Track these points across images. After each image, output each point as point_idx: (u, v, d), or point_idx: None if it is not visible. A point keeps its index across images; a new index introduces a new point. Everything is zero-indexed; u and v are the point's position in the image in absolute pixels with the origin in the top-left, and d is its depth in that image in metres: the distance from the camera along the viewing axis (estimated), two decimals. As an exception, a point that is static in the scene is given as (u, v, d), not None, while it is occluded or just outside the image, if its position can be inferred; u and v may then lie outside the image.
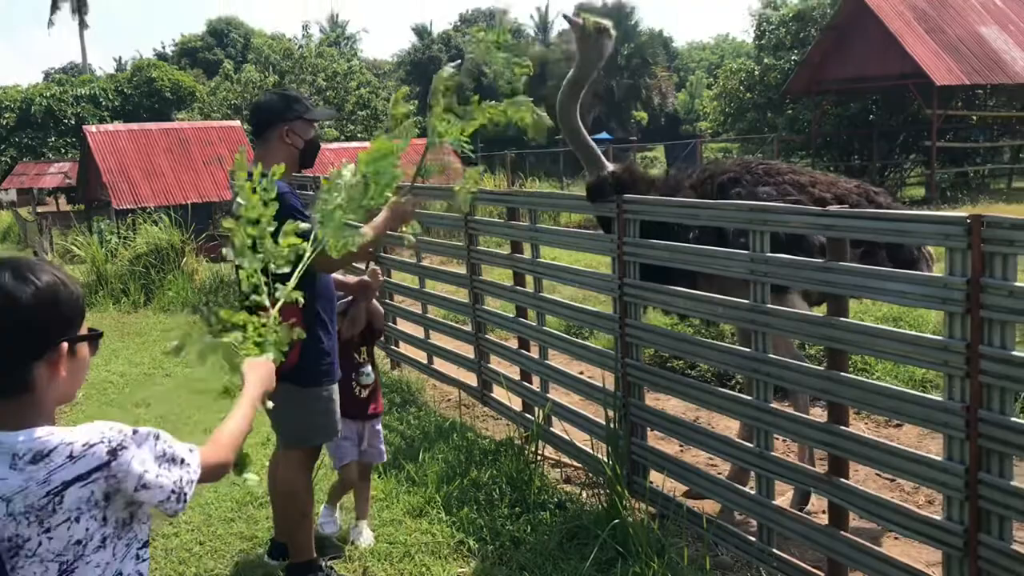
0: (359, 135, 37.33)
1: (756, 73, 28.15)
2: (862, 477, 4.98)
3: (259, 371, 2.27)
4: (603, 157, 4.71)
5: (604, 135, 43.63)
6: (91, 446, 1.75)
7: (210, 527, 4.79)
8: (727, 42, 72.28)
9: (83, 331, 1.88)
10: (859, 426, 5.87)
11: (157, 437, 1.86)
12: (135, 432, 1.82)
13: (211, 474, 2.00)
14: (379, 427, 4.64)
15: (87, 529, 1.75)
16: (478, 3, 71.70)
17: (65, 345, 1.82)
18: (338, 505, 4.70)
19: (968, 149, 24.46)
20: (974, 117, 24.60)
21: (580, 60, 4.60)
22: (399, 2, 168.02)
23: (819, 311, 3.89)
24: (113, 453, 1.76)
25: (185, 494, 1.87)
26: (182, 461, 1.89)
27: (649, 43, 58.45)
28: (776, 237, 3.70)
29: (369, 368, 4.37)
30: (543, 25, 72.30)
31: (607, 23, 4.62)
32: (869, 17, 21.49)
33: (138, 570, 1.87)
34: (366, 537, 4.48)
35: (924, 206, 20.12)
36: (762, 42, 29.46)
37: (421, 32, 65.74)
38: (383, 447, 4.68)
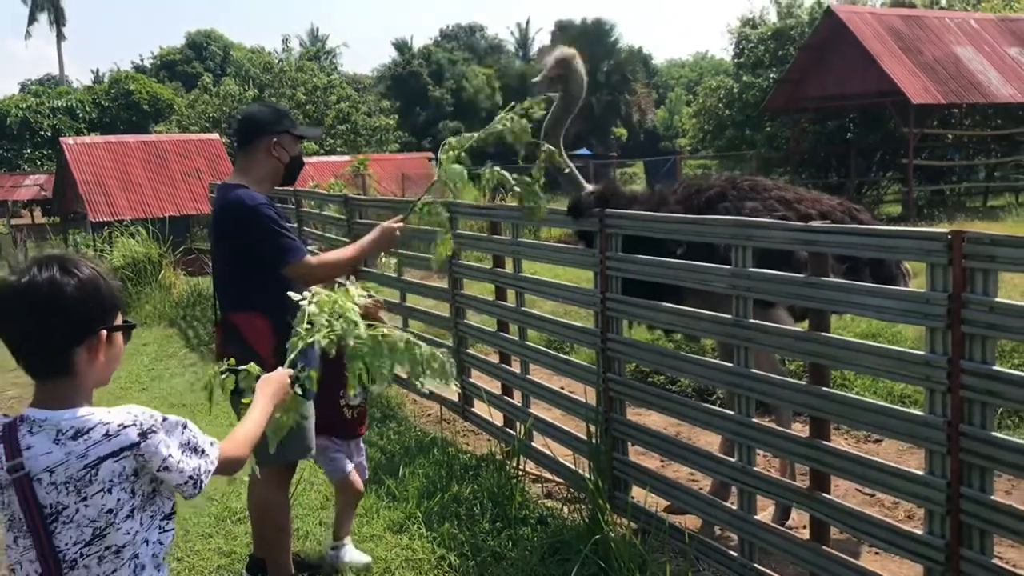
0: (339, 149, 37.28)
1: (735, 90, 28.34)
2: (842, 492, 4.99)
3: (275, 380, 2.53)
4: (582, 178, 4.77)
5: (584, 151, 43.86)
6: (124, 427, 1.97)
7: (188, 543, 4.73)
8: (706, 60, 72.88)
9: (118, 321, 2.10)
10: (839, 442, 5.89)
11: (184, 427, 2.07)
12: (165, 419, 2.04)
13: (227, 467, 2.20)
14: (362, 444, 4.64)
15: (118, 500, 1.97)
16: (458, 19, 71.97)
17: (104, 333, 2.04)
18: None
19: (944, 167, 24.71)
20: (950, 136, 24.86)
21: (563, 97, 4.75)
22: (380, 17, 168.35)
23: (802, 327, 3.92)
24: (143, 435, 1.98)
25: (202, 481, 2.07)
26: (203, 452, 2.09)
27: (628, 60, 58.94)
28: (766, 253, 3.71)
29: (358, 390, 4.21)
30: (523, 40, 72.71)
31: (569, 52, 4.77)
32: (847, 36, 21.69)
33: (160, 539, 2.08)
34: (356, 556, 4.37)
35: (901, 223, 20.30)
36: (741, 60, 29.68)
37: (401, 47, 65.78)
38: (365, 463, 4.65)
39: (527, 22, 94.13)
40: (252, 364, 2.67)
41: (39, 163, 40.70)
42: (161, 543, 2.09)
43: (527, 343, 5.42)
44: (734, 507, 3.90)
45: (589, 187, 4.77)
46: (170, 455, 2.00)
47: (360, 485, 4.45)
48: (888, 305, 3.14)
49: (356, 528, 4.77)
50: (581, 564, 4.05)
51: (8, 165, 40.83)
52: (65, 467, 1.94)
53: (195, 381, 8.23)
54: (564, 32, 57.36)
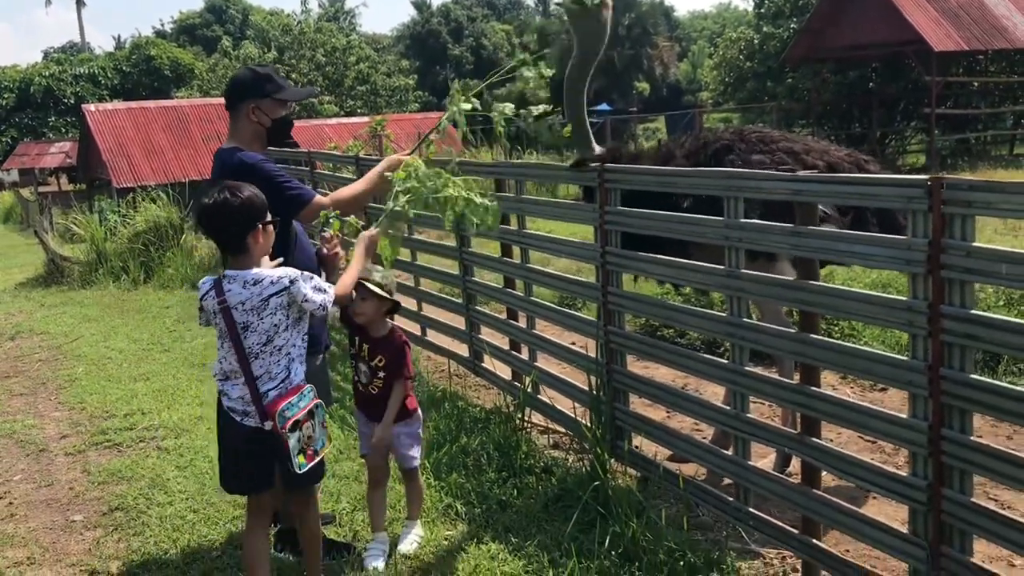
0: (359, 110, 37.26)
1: (755, 42, 28.00)
2: (845, 439, 5.08)
3: (367, 238, 3.76)
4: (593, 139, 4.79)
5: (604, 106, 43.45)
6: (281, 278, 3.34)
7: (204, 495, 4.90)
8: (728, 11, 71.81)
9: (267, 219, 3.43)
10: (845, 391, 5.96)
11: (311, 278, 3.42)
12: (303, 273, 3.39)
13: (340, 300, 3.59)
14: (403, 432, 4.21)
15: (280, 319, 3.37)
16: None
17: (260, 225, 3.38)
18: (386, 534, 4.26)
19: (969, 116, 24.36)
20: (975, 83, 24.48)
21: (583, 40, 4.60)
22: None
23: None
24: (292, 282, 3.35)
25: (326, 306, 3.45)
26: (325, 291, 3.45)
27: (650, 12, 58.02)
28: (776, 205, 3.73)
29: (363, 367, 4.13)
30: (543, -4, 71.81)
31: None
32: (868, -16, 21.39)
33: (302, 345, 3.49)
34: (410, 541, 4.19)
35: (922, 173, 20.10)
36: (761, 10, 29.27)
37: (420, 6, 65.33)
38: (406, 452, 4.24)
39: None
40: (353, 217, 3.88)
41: (63, 130, 41.01)
42: (302, 347, 3.47)
43: (532, 299, 5.51)
44: (729, 453, 3.99)
45: (597, 148, 4.81)
46: (307, 292, 3.36)
47: (370, 470, 4.26)
48: (873, 252, 3.19)
49: (365, 478, 4.91)
50: (582, 510, 4.17)
51: (33, 133, 41.17)
52: (250, 300, 3.32)
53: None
54: (584, -15, 56.55)
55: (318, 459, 3.51)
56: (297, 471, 3.38)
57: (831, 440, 4.96)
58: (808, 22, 24.27)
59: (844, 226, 4.48)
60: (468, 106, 3.96)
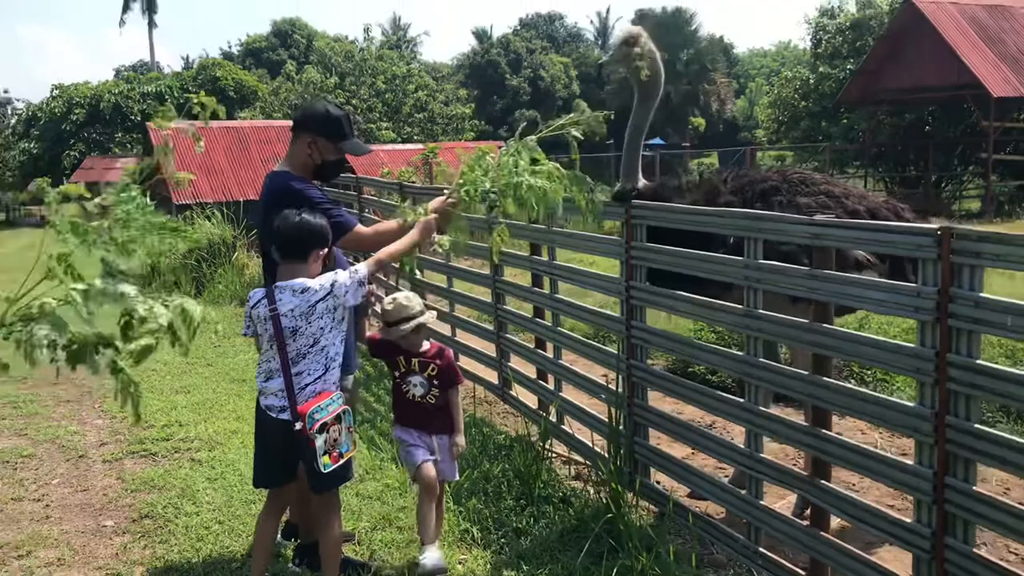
0: (415, 137, 37.76)
1: (811, 81, 27.87)
2: (867, 485, 5.04)
3: (427, 224, 3.97)
4: (640, 173, 4.97)
5: (657, 140, 43.48)
6: (324, 284, 3.66)
7: (230, 507, 5.03)
8: (788, 50, 71.49)
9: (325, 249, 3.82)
10: (873, 436, 5.92)
11: (352, 274, 3.71)
12: (336, 271, 3.73)
13: (381, 263, 3.94)
14: (450, 442, 4.28)
15: (327, 322, 3.68)
16: (537, 7, 71.99)
17: (320, 250, 3.77)
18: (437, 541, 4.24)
19: (1029, 162, 23.95)
20: (1036, 130, 24.09)
21: (643, 86, 4.96)
22: (461, 5, 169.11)
23: (838, 323, 4.00)
24: (333, 284, 3.66)
25: (363, 281, 3.73)
26: (363, 283, 3.74)
27: (708, 49, 58.07)
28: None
29: (417, 379, 4.19)
30: (602, 29, 72.30)
31: (635, 30, 4.89)
32: (925, 26, 21.19)
33: (339, 345, 3.77)
34: (429, 558, 4.07)
35: (973, 221, 19.79)
36: (819, 50, 29.16)
37: (481, 35, 66.15)
38: (455, 463, 4.36)
39: (607, 11, 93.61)
40: (427, 204, 4.10)
41: (129, 146, 42.10)
42: (339, 347, 3.76)
43: (558, 329, 5.59)
44: (743, 493, 4.01)
45: (642, 182, 4.94)
46: (345, 281, 3.68)
47: (430, 480, 4.15)
48: (885, 298, 3.22)
49: (390, 500, 5.01)
50: (594, 541, 4.21)
51: (100, 148, 42.31)
52: (300, 307, 3.63)
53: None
54: (644, 20, 56.85)
55: (343, 461, 3.71)
56: (322, 471, 3.61)
57: (852, 485, 4.97)
58: (864, 63, 24.14)
59: (881, 273, 4.51)
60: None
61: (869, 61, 23.66)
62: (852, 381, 6.58)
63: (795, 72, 30.56)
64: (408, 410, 4.26)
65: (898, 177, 25.62)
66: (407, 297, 4.15)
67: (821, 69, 27.65)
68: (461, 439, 4.32)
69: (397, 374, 4.25)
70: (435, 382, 4.19)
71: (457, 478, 4.45)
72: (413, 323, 4.06)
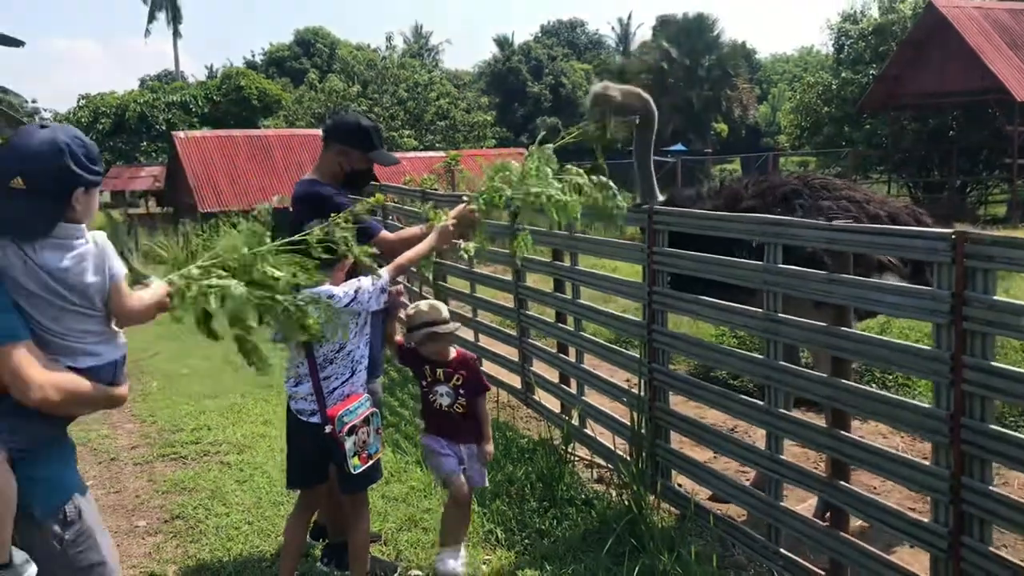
0: (437, 145, 37.93)
1: (833, 87, 27.80)
2: (889, 488, 5.08)
3: (442, 230, 3.95)
4: (657, 189, 5.08)
5: (679, 147, 43.43)
6: (348, 292, 3.67)
7: (260, 509, 5.14)
8: (811, 55, 71.23)
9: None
10: (895, 441, 5.95)
11: (376, 282, 3.72)
12: (359, 278, 3.74)
13: (400, 269, 3.94)
14: (479, 451, 4.33)
15: (352, 326, 3.73)
16: (559, 14, 72.16)
17: (344, 258, 3.61)
18: (463, 543, 4.34)
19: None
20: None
21: (639, 124, 5.04)
22: (482, 13, 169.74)
23: (861, 327, 4.07)
24: (357, 291, 3.69)
25: (385, 288, 3.77)
26: (386, 290, 3.77)
27: (731, 55, 57.91)
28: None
29: (443, 388, 4.24)
30: (624, 36, 72.37)
31: (599, 88, 4.99)
32: (948, 31, 21.12)
33: (364, 348, 3.85)
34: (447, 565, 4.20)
35: (998, 226, 19.68)
36: (841, 56, 29.09)
37: (502, 43, 66.44)
38: (485, 471, 4.43)
39: (628, 17, 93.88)
40: (446, 210, 4.18)
41: (154, 155, 42.58)
42: (364, 351, 3.84)
43: (580, 333, 5.67)
44: (763, 494, 4.07)
45: (660, 197, 5.05)
46: (371, 297, 3.72)
47: (462, 492, 4.22)
48: (901, 302, 3.28)
49: (415, 501, 5.11)
50: (616, 542, 4.29)
51: (126, 157, 42.82)
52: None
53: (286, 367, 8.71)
54: (665, 27, 56.81)
55: (371, 462, 3.80)
56: (352, 472, 3.71)
57: (874, 488, 5.01)
58: (887, 68, 24.07)
59: (905, 276, 4.57)
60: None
61: (892, 66, 23.59)
62: (874, 386, 6.62)
63: (817, 77, 30.49)
64: (436, 419, 4.30)
65: (922, 182, 25.48)
66: (430, 305, 4.22)
67: (844, 74, 27.59)
68: (490, 447, 4.34)
69: (424, 383, 4.30)
70: (461, 391, 4.22)
71: (486, 484, 4.48)
72: (427, 330, 4.09)
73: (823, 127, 28.92)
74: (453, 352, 4.32)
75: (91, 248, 2.48)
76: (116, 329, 2.59)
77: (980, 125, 24.46)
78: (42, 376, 2.35)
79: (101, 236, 2.56)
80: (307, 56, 62.31)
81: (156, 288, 2.69)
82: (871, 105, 25.02)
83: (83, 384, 2.46)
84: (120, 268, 2.56)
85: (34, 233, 2.38)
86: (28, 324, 2.40)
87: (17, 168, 2.33)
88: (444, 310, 4.26)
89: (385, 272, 3.83)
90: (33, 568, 2.38)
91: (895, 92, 23.86)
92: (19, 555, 2.37)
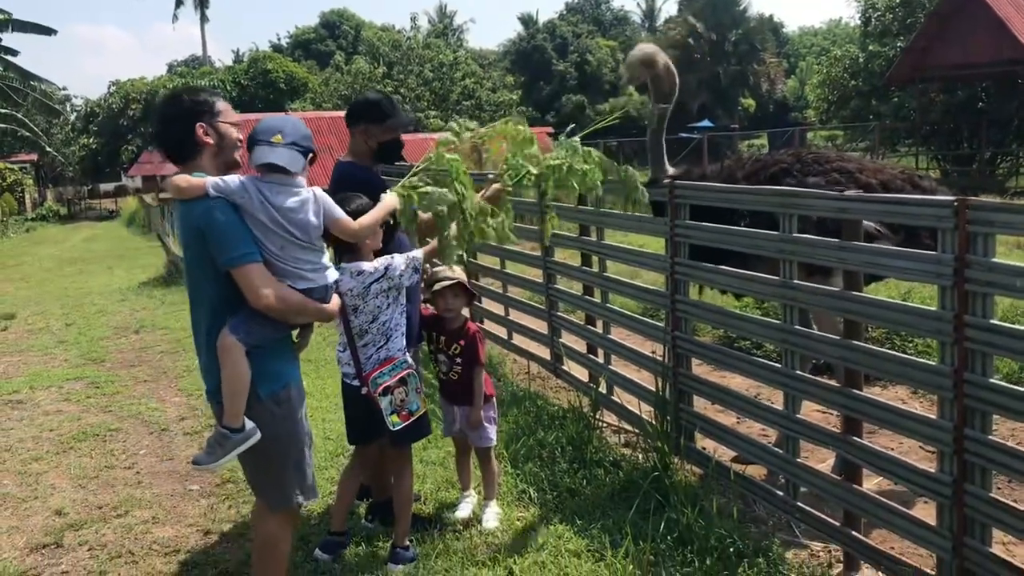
0: (463, 124, 38.01)
1: (860, 60, 27.65)
2: (906, 448, 5.29)
3: (391, 200, 3.91)
4: (666, 162, 5.27)
5: (706, 123, 43.32)
6: (377, 268, 3.92)
7: (305, 472, 5.44)
8: (839, 27, 70.54)
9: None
10: (913, 404, 6.14)
11: (407, 259, 4.01)
12: (392, 256, 3.99)
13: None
14: (488, 415, 4.70)
15: (382, 301, 3.98)
16: (584, -9, 71.72)
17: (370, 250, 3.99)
18: (473, 491, 4.91)
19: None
20: (1093, 104, 23.67)
21: (657, 93, 5.20)
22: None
23: (869, 290, 4.27)
24: (387, 267, 3.94)
25: (418, 267, 4.08)
26: (417, 268, 4.06)
27: (758, 29, 57.51)
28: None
29: (443, 356, 4.64)
30: (649, 12, 72.00)
31: (650, 50, 5.16)
32: (976, 2, 20.99)
33: (399, 319, 4.08)
34: (490, 518, 4.64)
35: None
36: (868, 28, 28.89)
37: (527, 21, 66.36)
38: (483, 433, 4.70)
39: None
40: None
41: (184, 140, 43.07)
42: (400, 320, 4.08)
43: (607, 305, 5.91)
44: (781, 452, 4.30)
45: (670, 170, 5.24)
46: (402, 272, 3.97)
47: (456, 441, 4.86)
48: (908, 266, 3.49)
49: (451, 464, 5.38)
50: (643, 499, 4.54)
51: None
52: (356, 288, 3.91)
53: (320, 341, 9.01)
54: (691, 2, 56.53)
55: (412, 419, 4.07)
56: (391, 428, 4.00)
57: (892, 449, 5.22)
58: (913, 40, 23.94)
59: (895, 243, 4.75)
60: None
61: (919, 38, 23.46)
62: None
63: (844, 51, 30.32)
64: (440, 383, 4.78)
65: (951, 155, 25.36)
66: (447, 268, 4.54)
67: (871, 47, 27.44)
68: (475, 413, 4.61)
69: (431, 348, 4.73)
70: (458, 360, 4.59)
71: (487, 445, 4.74)
72: (436, 287, 4.51)
73: (850, 101, 28.80)
74: (461, 322, 4.64)
75: (310, 196, 3.38)
76: (327, 264, 3.50)
77: (1009, 96, 24.29)
78: (269, 289, 3.21)
79: (318, 189, 3.48)
80: (332, 38, 62.67)
81: (383, 201, 3.80)
82: (899, 78, 24.90)
83: (300, 297, 3.34)
84: (339, 212, 3.53)
85: (290, 173, 3.35)
86: (261, 251, 3.25)
87: (279, 127, 3.46)
88: (453, 270, 4.53)
89: (419, 252, 4.11)
90: (258, 434, 3.30)
91: (922, 64, 23.74)
92: (249, 423, 3.29)
